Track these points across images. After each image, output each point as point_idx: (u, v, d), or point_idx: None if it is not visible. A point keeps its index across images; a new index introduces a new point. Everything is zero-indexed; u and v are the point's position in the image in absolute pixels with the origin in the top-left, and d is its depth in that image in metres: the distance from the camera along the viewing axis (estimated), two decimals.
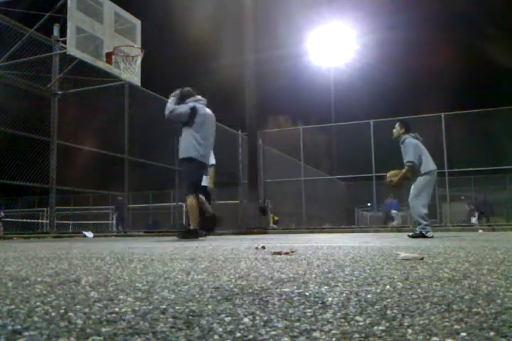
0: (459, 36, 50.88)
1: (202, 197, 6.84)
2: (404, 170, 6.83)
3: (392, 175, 7.02)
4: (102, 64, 8.51)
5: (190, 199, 6.34)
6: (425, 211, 6.71)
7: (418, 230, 6.57)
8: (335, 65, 37.95)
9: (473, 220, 19.22)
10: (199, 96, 6.73)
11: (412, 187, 6.87)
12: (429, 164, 6.89)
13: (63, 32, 8.38)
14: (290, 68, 50.32)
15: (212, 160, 8.97)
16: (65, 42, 8.16)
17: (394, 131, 7.09)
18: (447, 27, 53.25)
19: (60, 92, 9.88)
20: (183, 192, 7.02)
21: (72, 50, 7.84)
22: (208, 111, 6.68)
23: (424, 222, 6.56)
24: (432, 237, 6.42)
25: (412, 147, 6.76)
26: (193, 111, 6.41)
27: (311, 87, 46.24)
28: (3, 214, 17.71)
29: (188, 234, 6.43)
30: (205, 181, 8.88)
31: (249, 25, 15.13)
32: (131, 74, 8.87)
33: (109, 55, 8.57)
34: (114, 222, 18.61)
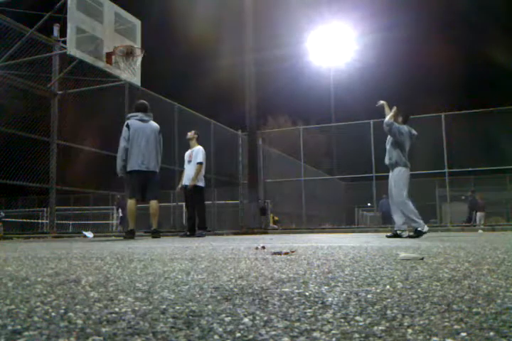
0: (459, 36, 50.93)
1: (153, 201, 7.48)
2: (387, 108, 6.93)
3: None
4: (102, 64, 8.51)
5: (129, 203, 7.40)
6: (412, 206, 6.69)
7: (413, 228, 6.58)
8: (335, 65, 37.99)
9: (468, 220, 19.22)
10: (135, 113, 7.62)
11: (393, 183, 6.77)
12: (407, 159, 6.85)
13: (63, 32, 8.37)
14: (290, 68, 50.45)
15: (198, 159, 8.97)
16: (65, 42, 8.15)
17: (389, 116, 6.80)
18: (447, 27, 53.29)
19: (60, 92, 9.88)
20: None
21: (72, 50, 7.83)
22: (141, 124, 7.47)
23: (417, 219, 6.55)
24: (428, 231, 6.48)
25: (401, 130, 6.70)
26: (127, 127, 7.39)
27: (311, 87, 46.30)
28: (3, 214, 17.71)
29: (126, 234, 7.48)
30: (187, 180, 8.96)
31: (249, 25, 15.13)
32: (131, 74, 8.87)
33: (109, 55, 8.56)
34: (118, 221, 18.58)
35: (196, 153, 9.05)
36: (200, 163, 8.97)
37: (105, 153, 10.86)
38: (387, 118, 6.77)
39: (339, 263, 2.07)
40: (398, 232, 6.60)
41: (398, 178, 6.74)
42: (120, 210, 16.61)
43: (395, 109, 6.88)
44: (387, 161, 6.93)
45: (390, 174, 6.92)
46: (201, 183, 9.08)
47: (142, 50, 9.17)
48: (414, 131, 6.94)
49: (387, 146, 6.94)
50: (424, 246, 3.60)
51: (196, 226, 9.07)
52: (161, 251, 3.20)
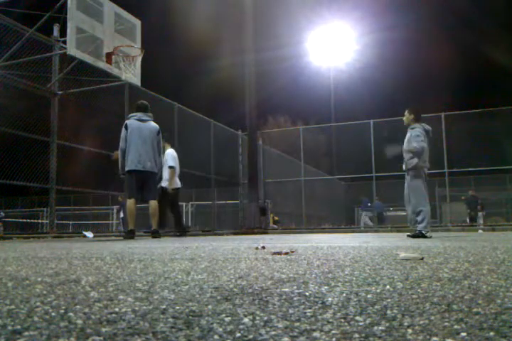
0: (459, 36, 50.91)
1: (153, 201, 7.50)
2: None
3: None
4: (102, 64, 8.51)
5: (128, 203, 7.39)
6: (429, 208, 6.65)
7: (418, 230, 6.55)
8: (335, 65, 37.97)
9: (469, 220, 19.22)
10: (134, 113, 7.63)
11: (410, 189, 6.77)
12: (427, 161, 6.83)
13: (63, 32, 8.38)
14: (290, 68, 50.41)
15: (168, 163, 9.03)
16: (65, 42, 8.16)
17: (404, 118, 6.95)
18: (447, 27, 53.29)
19: (60, 92, 9.88)
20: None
21: (72, 50, 7.84)
22: (139, 123, 7.47)
23: (426, 222, 6.52)
24: (431, 237, 6.42)
25: (420, 138, 6.66)
26: (125, 128, 7.43)
27: (311, 87, 46.29)
28: (3, 214, 17.70)
29: (126, 234, 7.51)
30: (164, 182, 9.03)
31: (249, 25, 15.13)
32: (131, 74, 8.87)
33: (109, 55, 8.57)
34: (121, 222, 18.51)
35: (166, 157, 9.18)
36: (170, 167, 9.09)
37: (105, 153, 10.86)
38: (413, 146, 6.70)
39: (339, 263, 2.07)
40: (423, 232, 6.52)
41: (415, 184, 6.70)
42: (122, 211, 16.40)
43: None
44: (403, 166, 6.91)
45: (406, 177, 6.90)
46: (177, 185, 9.20)
47: (142, 50, 9.17)
48: (427, 126, 6.87)
49: (404, 150, 6.90)
50: (424, 246, 3.60)
51: (165, 226, 9.18)
52: (161, 251, 3.20)
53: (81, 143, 10.61)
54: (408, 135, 6.80)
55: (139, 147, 7.35)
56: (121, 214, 15.02)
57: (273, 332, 0.80)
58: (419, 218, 6.59)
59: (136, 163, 7.31)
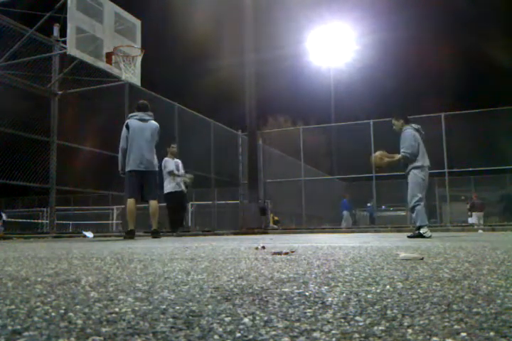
0: (459, 36, 50.90)
1: (153, 201, 7.54)
2: (396, 158, 6.77)
3: (382, 155, 6.93)
4: (102, 64, 8.51)
5: (128, 202, 7.36)
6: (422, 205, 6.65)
7: (416, 230, 6.55)
8: (335, 65, 37.92)
9: (470, 220, 19.17)
10: (135, 113, 7.62)
11: (408, 186, 6.80)
12: (424, 159, 6.83)
13: (63, 32, 8.38)
14: (290, 68, 50.38)
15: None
16: (65, 42, 8.16)
17: (394, 127, 6.99)
18: (447, 27, 53.28)
19: (60, 92, 9.88)
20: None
21: (72, 50, 7.84)
22: (140, 123, 7.48)
23: (422, 223, 6.51)
24: (430, 237, 6.40)
25: (411, 137, 6.69)
26: (127, 127, 7.41)
27: (311, 87, 46.19)
28: (4, 216, 17.65)
29: (126, 234, 7.44)
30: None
31: (249, 26, 15.13)
32: (131, 74, 8.87)
33: (109, 55, 8.57)
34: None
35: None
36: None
37: (105, 153, 10.86)
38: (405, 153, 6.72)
39: (339, 263, 2.07)
40: (421, 232, 6.51)
41: (412, 181, 6.73)
42: None
43: (396, 157, 6.82)
44: (403, 167, 6.92)
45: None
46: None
47: (142, 50, 9.17)
48: (416, 125, 6.89)
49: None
50: (424, 246, 3.60)
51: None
52: (161, 251, 3.20)
53: (81, 143, 10.61)
54: (401, 140, 6.86)
55: (142, 147, 7.34)
56: None
57: (273, 332, 0.80)
58: (413, 215, 6.65)
59: (139, 163, 7.30)
